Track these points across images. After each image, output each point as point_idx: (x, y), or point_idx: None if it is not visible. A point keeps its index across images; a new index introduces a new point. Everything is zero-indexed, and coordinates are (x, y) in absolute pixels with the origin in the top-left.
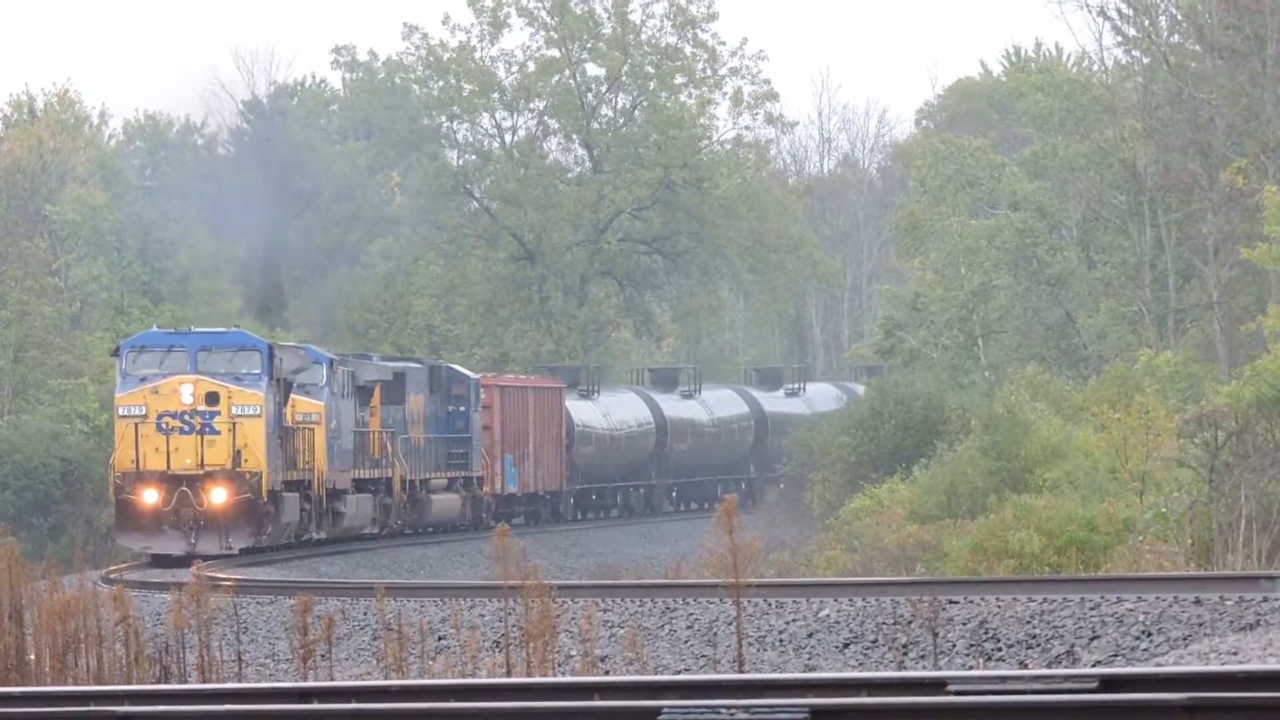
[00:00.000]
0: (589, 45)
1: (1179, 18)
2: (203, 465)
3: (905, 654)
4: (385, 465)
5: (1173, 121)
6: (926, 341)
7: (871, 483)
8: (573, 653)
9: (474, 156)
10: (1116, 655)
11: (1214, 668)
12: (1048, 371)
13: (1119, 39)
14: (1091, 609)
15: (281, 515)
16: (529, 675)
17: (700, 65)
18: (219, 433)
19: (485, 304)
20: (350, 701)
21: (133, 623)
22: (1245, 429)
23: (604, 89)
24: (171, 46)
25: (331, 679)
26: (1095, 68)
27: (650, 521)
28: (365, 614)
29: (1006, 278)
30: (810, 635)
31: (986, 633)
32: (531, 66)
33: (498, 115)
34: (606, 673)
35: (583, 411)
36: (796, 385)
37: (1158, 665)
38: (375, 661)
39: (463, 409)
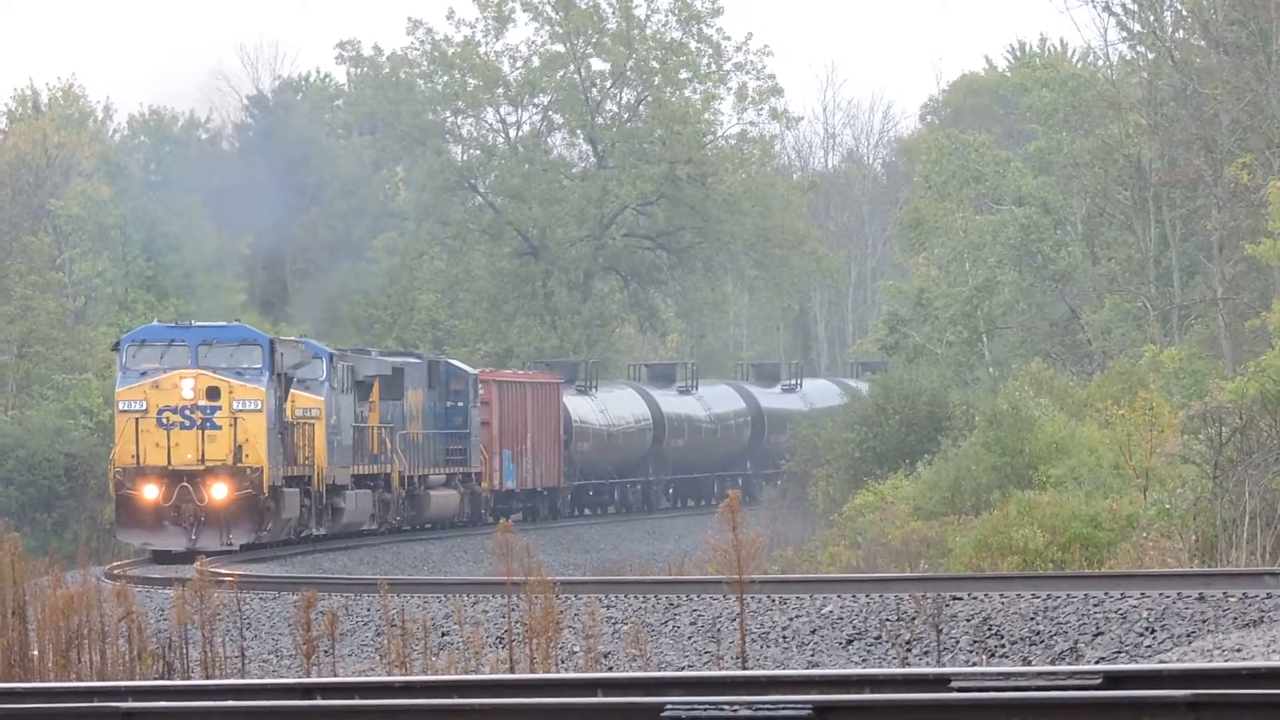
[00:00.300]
0: (594, 40)
1: (1184, 13)
2: (203, 460)
3: (909, 650)
4: (384, 461)
5: (1177, 117)
6: (931, 337)
7: (875, 479)
8: (576, 649)
9: (478, 151)
10: (1120, 652)
11: (1218, 664)
12: (1052, 367)
13: (1124, 34)
14: (1095, 605)
15: (282, 511)
16: (532, 671)
17: (705, 60)
18: (220, 428)
19: (489, 299)
20: (353, 697)
21: (136, 619)
22: (1249, 425)
23: (609, 84)
24: (176, 41)
25: (335, 675)
26: (1100, 63)
27: (648, 518)
28: (368, 610)
29: (1011, 273)
30: (814, 632)
31: (990, 629)
32: (536, 61)
33: (502, 110)
34: (610, 669)
35: (580, 407)
36: (794, 381)
37: (1161, 662)
38: (378, 657)
39: (461, 404)
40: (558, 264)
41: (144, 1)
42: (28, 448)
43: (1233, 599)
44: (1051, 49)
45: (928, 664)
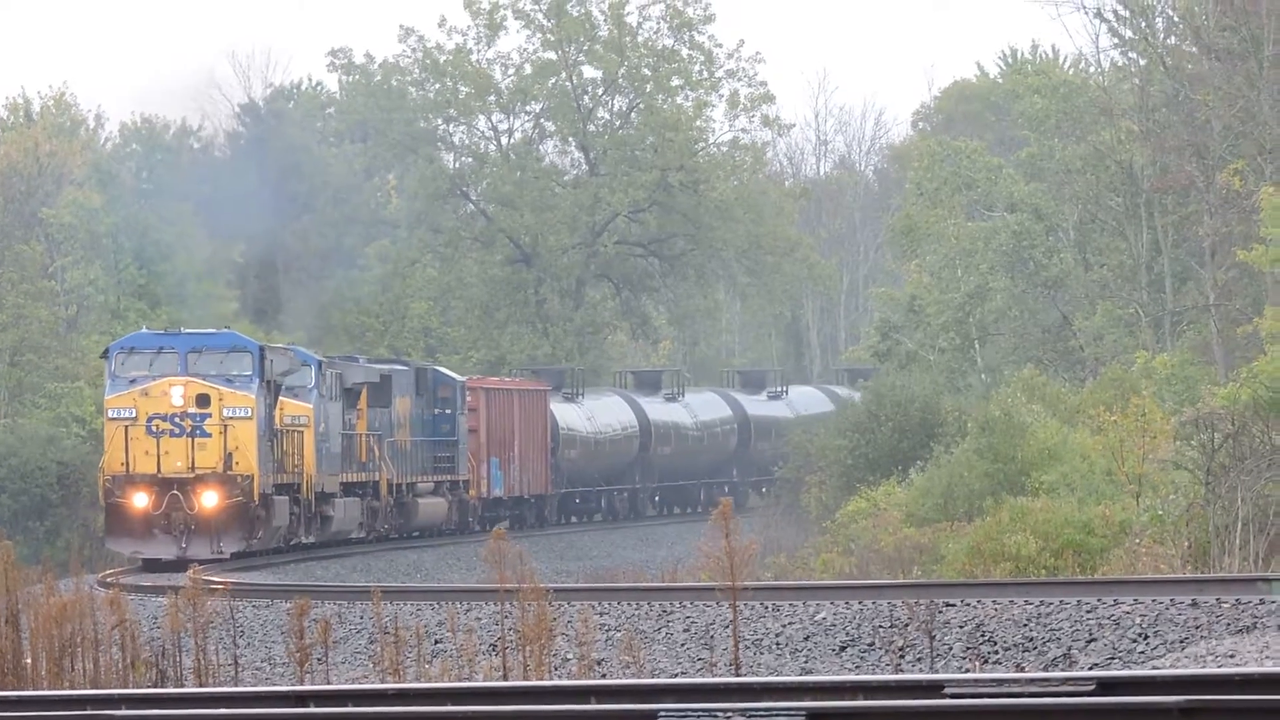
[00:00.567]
0: (585, 48)
1: (1176, 19)
2: (193, 468)
3: (902, 657)
4: (372, 469)
5: (1169, 123)
6: (923, 344)
7: (868, 485)
8: (569, 656)
9: (470, 159)
10: (1113, 658)
11: (1210, 670)
12: (1044, 374)
13: (1115, 41)
14: (1088, 611)
15: (272, 519)
16: (526, 678)
17: (697, 67)
18: (210, 435)
19: (481, 306)
20: (347, 705)
21: (129, 626)
22: (1241, 431)
23: (600, 91)
24: (167, 49)
25: (328, 682)
26: (1092, 69)
27: (635, 526)
28: (362, 617)
29: (1003, 280)
30: (807, 638)
31: (983, 635)
32: (528, 69)
33: (494, 118)
34: (603, 676)
35: (567, 414)
36: (779, 388)
37: (1154, 668)
38: (372, 665)
39: (449, 412)
40: (550, 271)
41: (135, 10)
42: (20, 456)
43: (1225, 605)
44: (1043, 55)
45: (921, 670)
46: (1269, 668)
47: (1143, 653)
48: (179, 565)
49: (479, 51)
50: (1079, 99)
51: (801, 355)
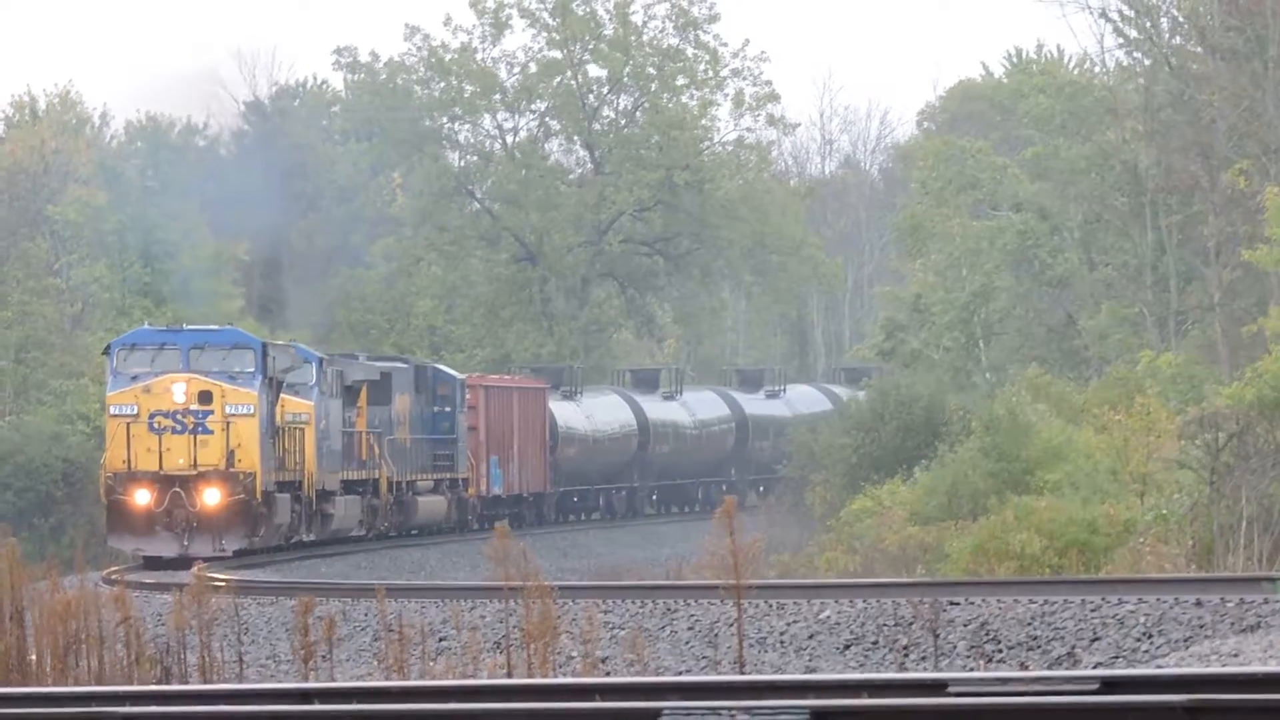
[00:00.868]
0: (591, 46)
1: (1180, 19)
2: (196, 465)
3: (906, 655)
4: (372, 466)
5: (1174, 123)
6: (928, 343)
7: (872, 484)
8: (574, 654)
9: (475, 157)
10: (1117, 657)
11: (1214, 669)
12: (1049, 373)
13: (1120, 41)
14: (1092, 610)
15: (274, 516)
16: (530, 676)
17: (702, 67)
18: (212, 432)
19: (487, 305)
20: (351, 702)
21: (134, 624)
22: (1246, 430)
23: (605, 90)
24: (172, 48)
25: (333, 680)
26: (1097, 69)
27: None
28: (366, 615)
29: (1008, 279)
30: (811, 636)
31: (987, 634)
32: (533, 68)
33: (499, 116)
34: (608, 674)
35: (566, 413)
36: (777, 387)
37: (1158, 667)
38: (376, 662)
39: (448, 409)
40: (555, 270)
41: (141, 8)
42: (25, 453)
43: (1230, 604)
44: (1048, 55)
45: (925, 669)
46: (1273, 667)
47: (1147, 652)
48: (179, 563)
49: (484, 50)
50: (1084, 99)
51: (806, 354)
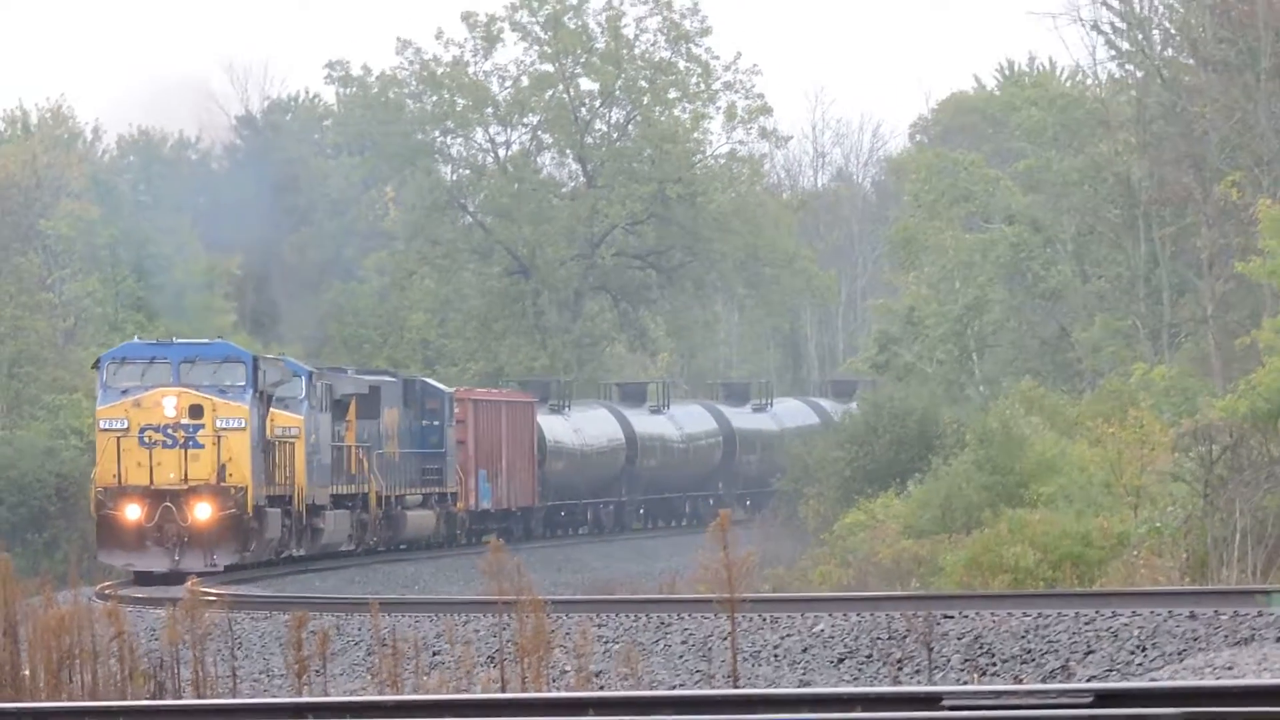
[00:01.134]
0: (583, 60)
1: (1172, 32)
2: (186, 480)
3: (900, 669)
4: (361, 481)
5: (1166, 135)
6: (921, 356)
7: (866, 497)
8: (567, 668)
9: (468, 171)
10: (1111, 670)
11: (1209, 682)
12: (1042, 386)
13: (1112, 53)
14: (1086, 624)
15: (265, 531)
16: (524, 690)
17: (694, 80)
18: (203, 446)
19: (479, 318)
20: (345, 717)
21: (127, 638)
22: (1240, 443)
23: (598, 104)
24: (164, 62)
25: (326, 694)
26: (1089, 82)
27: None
28: (360, 629)
29: (1001, 292)
30: (805, 650)
31: (981, 647)
32: (525, 81)
33: (491, 130)
34: (601, 688)
35: (554, 427)
36: (764, 401)
37: (1152, 680)
38: (370, 677)
39: (436, 423)
40: (548, 283)
41: (133, 22)
42: (18, 468)
43: (1224, 617)
44: (1040, 68)
45: (919, 682)
46: (1267, 679)
47: (1141, 665)
48: (170, 578)
49: (476, 64)
50: (1076, 111)
51: (800, 367)
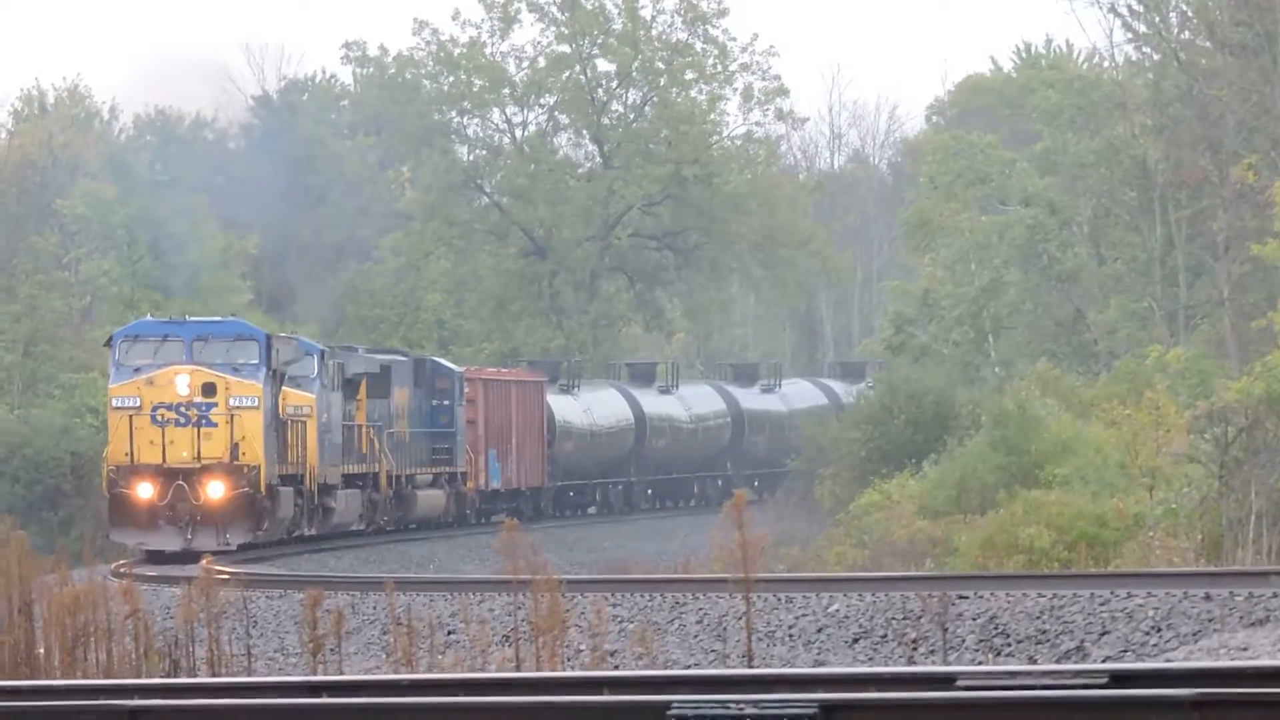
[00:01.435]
0: (599, 41)
1: (1189, 14)
2: (199, 458)
3: (915, 649)
4: (372, 460)
5: (1183, 118)
6: (937, 337)
7: (882, 478)
8: (582, 647)
9: (484, 152)
10: (1126, 651)
11: (1223, 663)
12: (1058, 367)
13: (1129, 35)
14: (1101, 604)
15: (277, 510)
16: (538, 670)
17: (711, 61)
18: (216, 425)
19: (495, 299)
20: (360, 695)
21: (142, 617)
22: (1255, 425)
23: (614, 85)
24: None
25: (341, 673)
26: (1106, 64)
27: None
28: (375, 608)
29: (1017, 274)
30: (820, 630)
31: (996, 628)
32: (542, 62)
33: (508, 111)
34: (616, 667)
35: (564, 407)
36: (772, 381)
37: (1167, 661)
38: (385, 655)
39: (447, 403)
40: (564, 264)
41: (151, 2)
42: (34, 446)
43: (1239, 598)
44: (1057, 50)
45: (934, 663)
46: None
47: (1156, 645)
48: (182, 557)
49: (493, 45)
50: (1093, 94)
51: (815, 348)
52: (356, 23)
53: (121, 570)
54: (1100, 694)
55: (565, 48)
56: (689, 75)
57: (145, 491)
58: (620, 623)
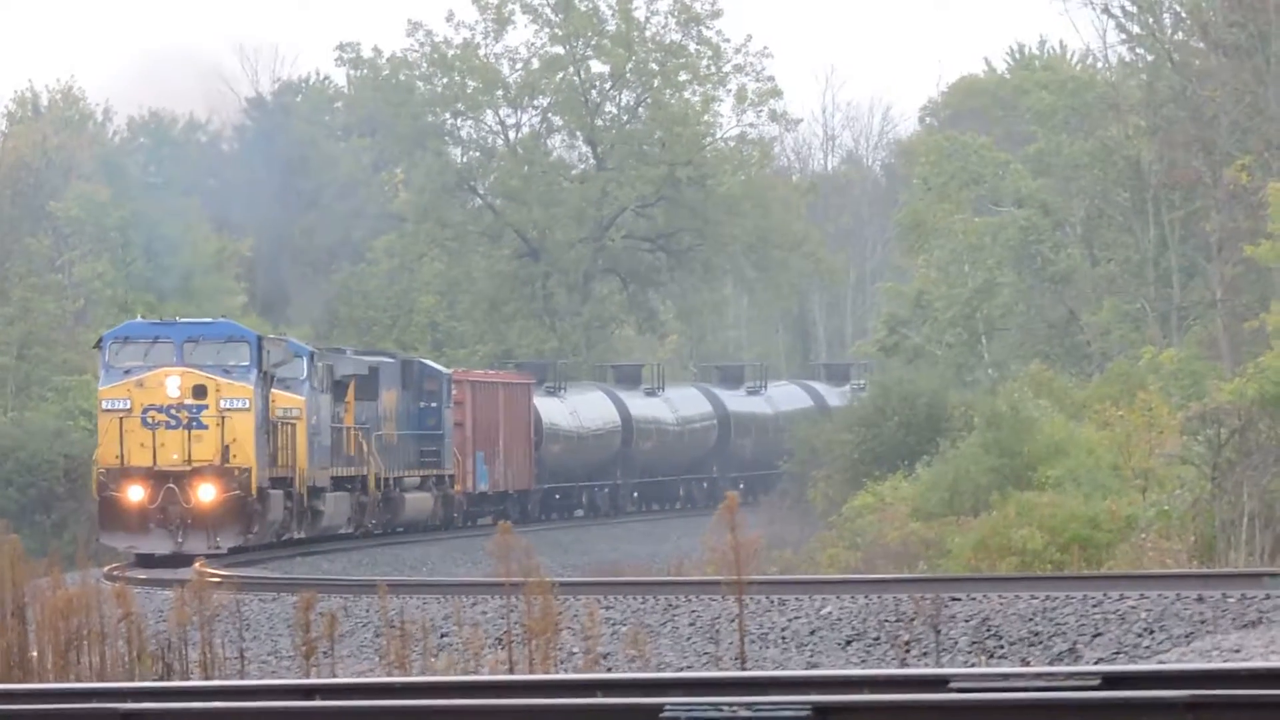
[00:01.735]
0: (593, 42)
1: (1183, 15)
2: (190, 461)
3: (908, 651)
4: (360, 463)
5: (1177, 119)
6: (930, 339)
7: (874, 480)
8: (575, 650)
9: (478, 153)
10: (1119, 653)
11: (1216, 665)
12: (1051, 369)
13: (1123, 36)
14: (1094, 606)
15: (268, 513)
16: (531, 672)
17: (704, 62)
18: (207, 427)
19: (489, 301)
20: (353, 698)
21: (135, 620)
22: (1248, 426)
23: (608, 86)
24: (174, 43)
25: (334, 676)
26: (1099, 65)
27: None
28: (368, 611)
29: (1010, 275)
30: (813, 632)
31: (989, 630)
32: (535, 63)
33: (502, 112)
34: (609, 670)
35: (551, 409)
36: (757, 383)
37: (1160, 663)
38: (378, 658)
39: (434, 405)
40: (557, 266)
41: (144, 3)
42: (27, 449)
43: (1231, 600)
44: (1051, 51)
45: (927, 665)
46: (1275, 662)
47: (1148, 647)
48: (173, 560)
49: (486, 46)
50: (1086, 94)
51: (808, 350)
52: (351, 24)
53: (115, 573)
54: (1093, 696)
55: (559, 49)
56: (683, 77)
57: (136, 494)
58: (613, 625)
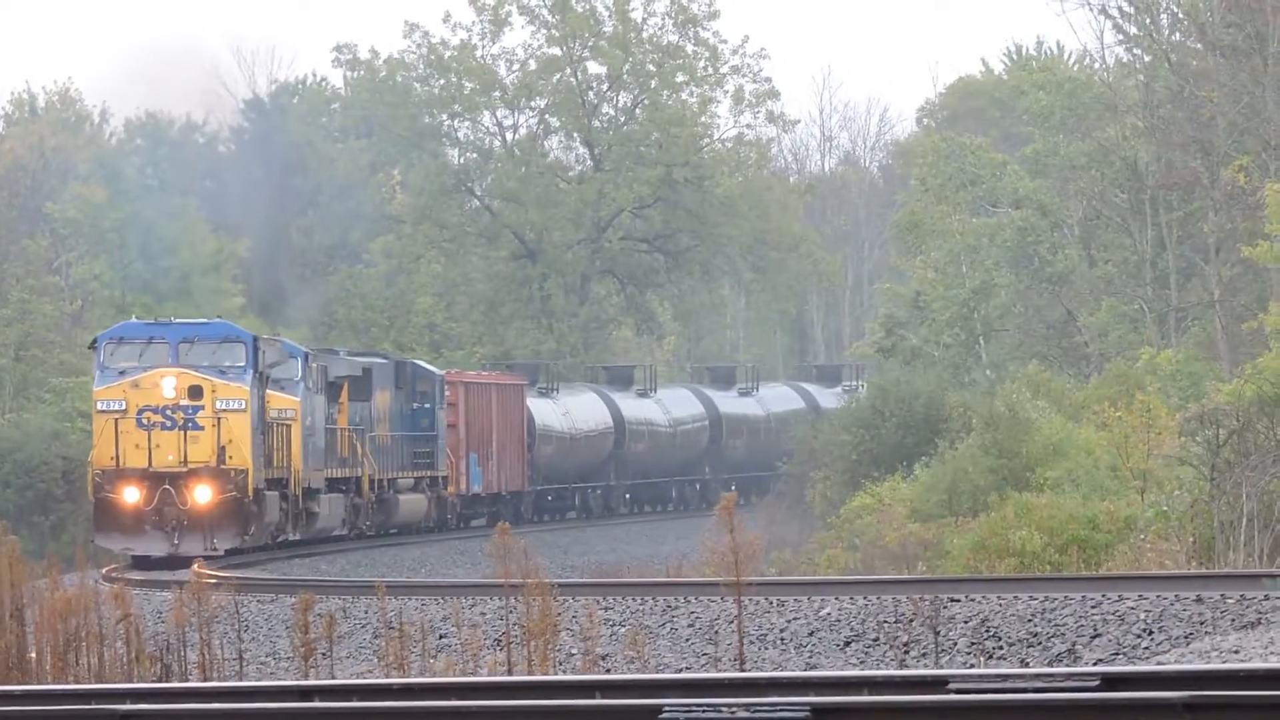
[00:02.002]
0: (590, 43)
1: (1180, 16)
2: (186, 462)
3: (906, 652)
4: (354, 464)
5: (1174, 119)
6: (928, 340)
7: (873, 481)
8: (574, 651)
9: (475, 155)
10: (1117, 653)
11: (1215, 666)
12: (1049, 370)
13: (1120, 37)
14: (1093, 607)
15: (264, 515)
16: (530, 673)
17: (701, 63)
18: (203, 428)
19: (486, 302)
20: (352, 699)
21: (134, 621)
22: (1246, 427)
23: (605, 87)
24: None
25: (333, 677)
26: (1096, 66)
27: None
28: (366, 612)
29: (1008, 276)
30: (811, 634)
31: (988, 631)
32: (533, 65)
33: (499, 113)
34: (608, 671)
35: (543, 410)
36: (749, 385)
37: (1159, 663)
38: (376, 660)
39: (428, 406)
40: (554, 267)
41: (141, 5)
42: (25, 451)
43: (1230, 601)
44: (1048, 52)
45: (925, 666)
46: (1273, 663)
47: (1147, 648)
48: (169, 562)
49: (484, 47)
50: (1084, 95)
51: (806, 351)
52: (348, 26)
53: (113, 574)
54: (1092, 696)
55: (556, 50)
56: (680, 78)
57: (131, 496)
58: (612, 626)
